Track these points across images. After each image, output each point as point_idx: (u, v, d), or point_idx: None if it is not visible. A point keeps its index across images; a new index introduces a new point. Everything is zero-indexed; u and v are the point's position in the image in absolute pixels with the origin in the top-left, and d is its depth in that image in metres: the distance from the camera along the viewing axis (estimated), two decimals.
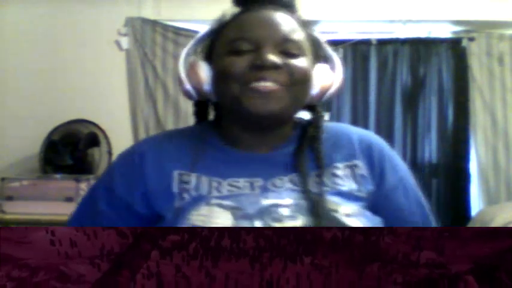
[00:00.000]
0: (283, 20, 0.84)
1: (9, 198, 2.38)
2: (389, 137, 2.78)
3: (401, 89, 2.85)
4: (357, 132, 0.92)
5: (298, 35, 0.84)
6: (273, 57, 0.79)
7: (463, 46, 2.80)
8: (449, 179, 2.83)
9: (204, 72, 0.86)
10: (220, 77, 0.83)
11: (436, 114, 2.84)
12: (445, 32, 2.89)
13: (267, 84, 0.79)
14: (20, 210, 2.34)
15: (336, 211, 0.78)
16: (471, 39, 2.79)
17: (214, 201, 0.79)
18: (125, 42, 2.83)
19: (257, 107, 0.79)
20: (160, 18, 2.83)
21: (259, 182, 0.82)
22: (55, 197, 2.35)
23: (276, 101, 0.80)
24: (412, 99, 2.84)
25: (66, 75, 2.82)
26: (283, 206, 0.78)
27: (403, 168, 0.91)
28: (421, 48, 2.82)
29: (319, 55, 0.90)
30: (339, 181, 0.84)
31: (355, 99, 2.86)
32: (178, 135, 0.91)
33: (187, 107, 2.75)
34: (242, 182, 0.82)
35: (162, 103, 2.83)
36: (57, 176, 2.53)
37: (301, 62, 0.82)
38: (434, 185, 2.85)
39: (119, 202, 0.85)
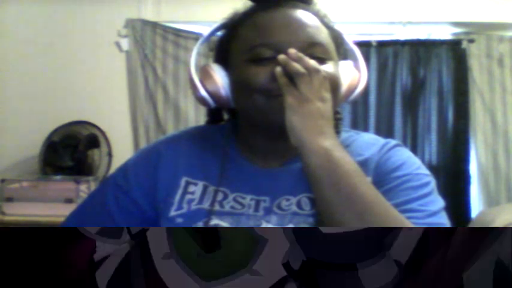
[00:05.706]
0: (306, 20, 0.77)
1: (9, 199, 2.38)
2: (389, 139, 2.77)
3: (401, 91, 2.84)
4: (382, 145, 0.83)
5: (324, 35, 0.77)
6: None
7: (463, 48, 2.79)
8: (449, 180, 2.82)
9: (221, 77, 0.79)
10: (241, 88, 0.76)
11: (436, 116, 2.83)
12: (445, 33, 2.89)
13: None
14: (19, 212, 2.34)
15: None
16: (471, 40, 2.78)
17: (213, 221, 0.75)
18: (125, 43, 2.83)
19: (284, 120, 0.71)
20: (160, 19, 2.82)
21: (266, 201, 0.77)
22: (55, 198, 2.34)
23: None
24: (412, 100, 2.83)
25: (66, 76, 2.82)
26: None
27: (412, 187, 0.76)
28: (421, 50, 2.81)
29: (340, 51, 0.82)
30: None
31: (354, 101, 2.85)
32: (198, 140, 0.86)
33: (188, 109, 2.74)
34: (248, 199, 0.78)
35: (162, 105, 2.83)
36: (57, 177, 2.53)
37: (329, 68, 0.75)
38: None
39: (128, 200, 0.82)
